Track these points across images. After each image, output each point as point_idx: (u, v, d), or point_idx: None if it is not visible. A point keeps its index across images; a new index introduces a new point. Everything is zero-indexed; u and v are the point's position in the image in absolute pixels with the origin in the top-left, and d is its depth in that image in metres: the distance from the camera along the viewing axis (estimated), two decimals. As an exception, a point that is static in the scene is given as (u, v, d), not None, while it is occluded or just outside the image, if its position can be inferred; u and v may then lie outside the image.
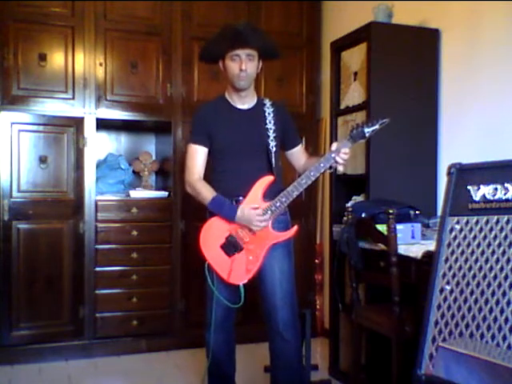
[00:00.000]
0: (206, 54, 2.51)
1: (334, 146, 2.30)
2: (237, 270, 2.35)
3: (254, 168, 2.41)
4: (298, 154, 2.60)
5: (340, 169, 2.34)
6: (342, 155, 2.26)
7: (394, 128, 2.94)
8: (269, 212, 2.32)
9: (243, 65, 2.33)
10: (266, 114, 2.47)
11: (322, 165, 2.27)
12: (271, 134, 2.44)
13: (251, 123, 2.46)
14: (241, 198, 2.39)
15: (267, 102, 2.51)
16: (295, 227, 2.41)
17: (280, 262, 2.42)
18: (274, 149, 2.44)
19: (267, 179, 2.38)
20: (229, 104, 2.48)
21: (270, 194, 2.36)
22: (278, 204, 2.32)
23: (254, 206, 2.32)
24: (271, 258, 2.39)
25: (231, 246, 2.37)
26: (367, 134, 2.27)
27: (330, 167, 2.31)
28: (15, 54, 3.42)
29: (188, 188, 2.47)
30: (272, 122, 2.46)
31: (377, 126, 2.26)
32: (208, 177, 2.51)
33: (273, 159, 2.42)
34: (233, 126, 2.45)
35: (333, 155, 2.26)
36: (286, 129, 2.53)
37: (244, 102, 2.48)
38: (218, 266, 2.39)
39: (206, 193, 2.40)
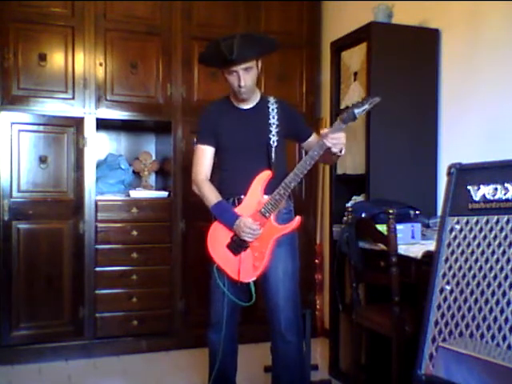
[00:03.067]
0: (204, 62, 2.55)
1: (324, 131, 2.29)
2: (244, 268, 2.37)
3: (255, 166, 2.41)
4: (312, 144, 2.56)
5: (335, 150, 2.27)
6: (332, 140, 2.23)
7: (394, 128, 2.96)
8: (269, 207, 2.33)
9: (241, 81, 2.34)
10: (270, 111, 2.48)
11: (315, 152, 2.28)
12: (273, 129, 2.45)
13: (253, 121, 2.47)
14: (242, 196, 2.41)
15: (271, 100, 2.52)
16: (298, 218, 2.41)
17: (284, 262, 2.42)
18: (275, 144, 2.44)
19: (265, 174, 2.39)
20: (232, 104, 2.50)
21: (271, 188, 2.37)
22: (277, 197, 2.33)
23: (250, 219, 2.33)
24: (275, 259, 2.40)
25: (237, 245, 2.38)
26: (358, 115, 2.24)
27: (334, 154, 2.29)
28: (15, 54, 3.42)
29: (194, 187, 2.50)
30: (276, 117, 2.46)
31: (366, 106, 2.24)
32: (212, 176, 2.52)
33: (272, 154, 2.43)
34: (235, 126, 2.47)
35: (324, 140, 2.26)
36: (293, 124, 2.54)
37: (247, 103, 2.49)
38: (226, 266, 2.40)
39: (211, 196, 2.42)
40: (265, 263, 2.37)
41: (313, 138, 2.61)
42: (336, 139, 2.25)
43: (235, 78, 2.35)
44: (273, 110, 2.48)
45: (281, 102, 2.54)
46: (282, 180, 2.36)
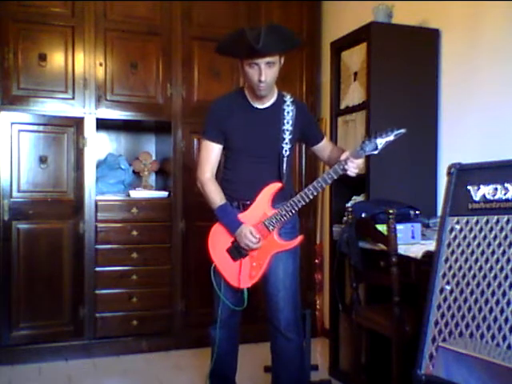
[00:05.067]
0: (222, 51, 2.39)
1: (344, 156, 2.25)
2: (241, 275, 2.36)
3: (265, 173, 2.37)
4: (321, 148, 2.57)
5: (351, 174, 2.26)
6: (351, 164, 2.21)
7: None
8: (274, 220, 2.32)
9: (262, 76, 2.21)
10: (285, 113, 2.38)
11: (329, 176, 2.25)
12: (287, 137, 2.37)
13: (267, 124, 2.38)
14: (248, 202, 2.38)
15: (288, 99, 2.41)
16: (299, 237, 2.40)
17: (285, 263, 2.41)
18: (288, 152, 2.38)
19: (275, 186, 2.35)
20: (246, 101, 2.39)
21: (279, 199, 2.35)
22: (283, 213, 2.30)
23: (253, 230, 2.32)
24: (276, 259, 2.39)
25: (236, 251, 2.37)
26: (380, 146, 2.18)
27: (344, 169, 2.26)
28: (15, 54, 3.42)
29: (198, 184, 2.44)
30: (290, 122, 2.38)
31: (391, 138, 2.17)
32: (218, 173, 2.49)
33: (284, 164, 2.38)
34: (248, 127, 2.37)
35: (341, 167, 2.24)
36: (306, 128, 2.48)
37: (263, 102, 2.39)
38: (223, 269, 2.40)
39: (216, 197, 2.38)
40: (261, 274, 2.37)
41: (324, 142, 2.58)
42: (358, 163, 2.23)
43: (256, 71, 2.22)
44: (288, 112, 2.38)
45: (297, 103, 2.44)
46: (289, 191, 2.36)
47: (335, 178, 2.27)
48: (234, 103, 2.40)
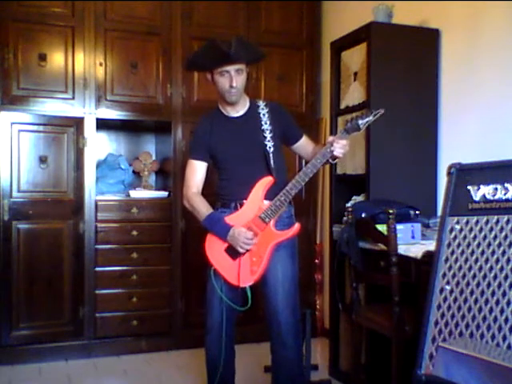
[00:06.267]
0: (193, 66, 2.58)
1: (330, 138, 2.34)
2: (242, 273, 2.36)
3: (255, 171, 2.41)
4: (302, 147, 2.60)
5: (339, 155, 2.31)
6: (337, 145, 2.28)
7: (394, 128, 2.96)
8: (269, 212, 2.33)
9: (233, 81, 2.35)
10: (261, 116, 2.47)
11: (318, 160, 2.31)
12: (268, 135, 2.44)
13: (246, 129, 2.47)
14: (244, 200, 2.41)
15: (261, 104, 2.52)
16: (297, 225, 2.41)
17: (283, 265, 2.42)
18: (272, 149, 2.43)
19: (266, 180, 2.39)
20: (223, 115, 2.50)
21: (272, 193, 2.37)
22: (277, 203, 2.33)
23: (244, 229, 2.34)
24: (275, 261, 2.39)
25: (235, 250, 2.37)
26: (361, 126, 2.31)
27: (334, 158, 2.33)
28: (15, 54, 3.42)
29: (185, 202, 2.51)
30: (268, 122, 2.46)
31: (371, 118, 2.30)
32: (214, 185, 2.53)
33: (271, 160, 2.42)
34: (229, 136, 2.47)
35: (328, 150, 2.30)
36: (284, 126, 2.53)
37: (237, 110, 2.48)
38: (223, 271, 2.40)
39: (202, 209, 2.43)
40: (262, 268, 2.37)
41: (303, 140, 2.60)
42: (343, 144, 2.29)
43: (227, 78, 2.35)
44: (264, 115, 2.47)
45: (271, 104, 2.53)
46: (283, 185, 2.36)
47: (324, 161, 2.32)
48: (213, 120, 2.51)
